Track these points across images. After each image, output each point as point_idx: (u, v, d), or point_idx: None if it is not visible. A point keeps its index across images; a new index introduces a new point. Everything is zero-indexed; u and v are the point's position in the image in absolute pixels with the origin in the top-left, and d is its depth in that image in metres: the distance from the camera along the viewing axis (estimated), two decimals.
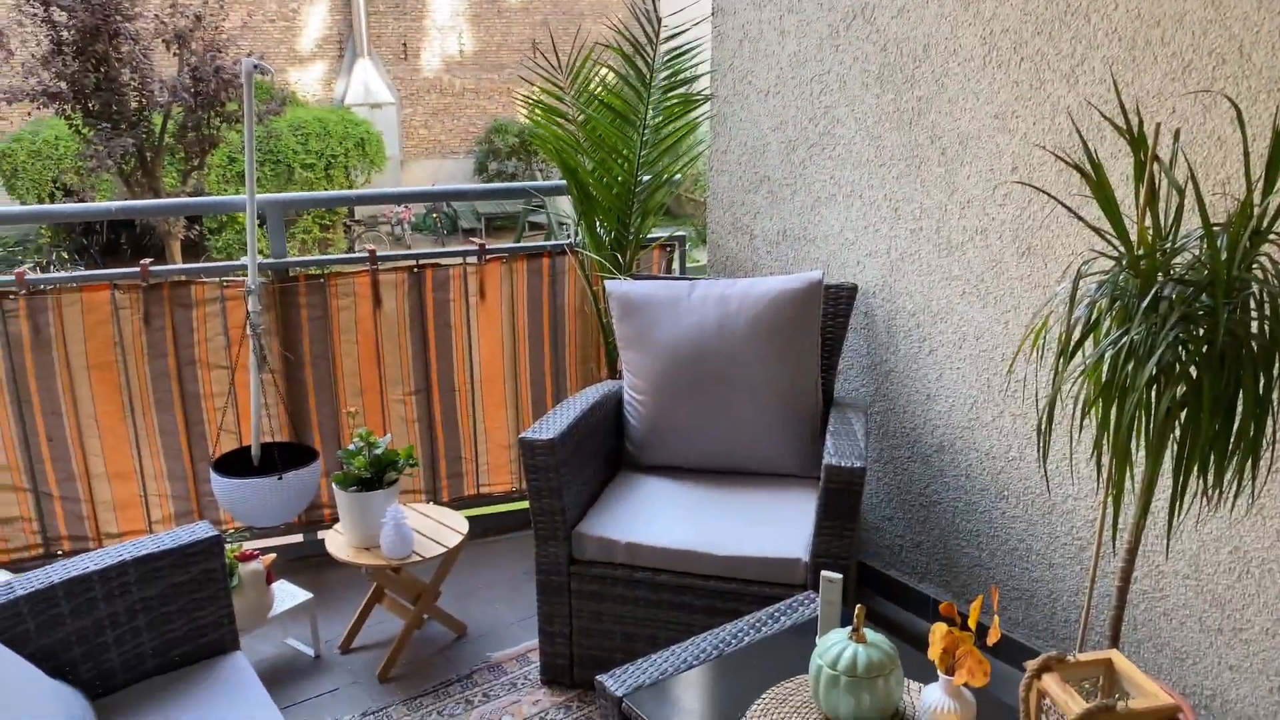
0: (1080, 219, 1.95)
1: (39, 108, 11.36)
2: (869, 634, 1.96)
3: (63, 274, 2.96)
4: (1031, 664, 1.71)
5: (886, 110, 2.92)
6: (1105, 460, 2.05)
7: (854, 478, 2.45)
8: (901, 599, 3.19)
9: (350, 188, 15.52)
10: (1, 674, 1.78)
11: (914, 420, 3.04)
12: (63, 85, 10.99)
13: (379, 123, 16.68)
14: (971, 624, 1.85)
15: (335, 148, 14.92)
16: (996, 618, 1.79)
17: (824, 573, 2.16)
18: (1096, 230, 1.92)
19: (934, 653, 1.89)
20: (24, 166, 14.06)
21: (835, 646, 1.94)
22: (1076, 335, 1.94)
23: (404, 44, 18.07)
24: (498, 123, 18.93)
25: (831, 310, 3.04)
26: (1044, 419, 2.01)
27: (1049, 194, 2.23)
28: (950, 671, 1.81)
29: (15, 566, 3.19)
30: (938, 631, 1.91)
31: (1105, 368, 1.84)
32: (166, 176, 12.32)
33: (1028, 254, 2.62)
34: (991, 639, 1.78)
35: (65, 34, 10.84)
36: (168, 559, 2.13)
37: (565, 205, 12.91)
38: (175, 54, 11.54)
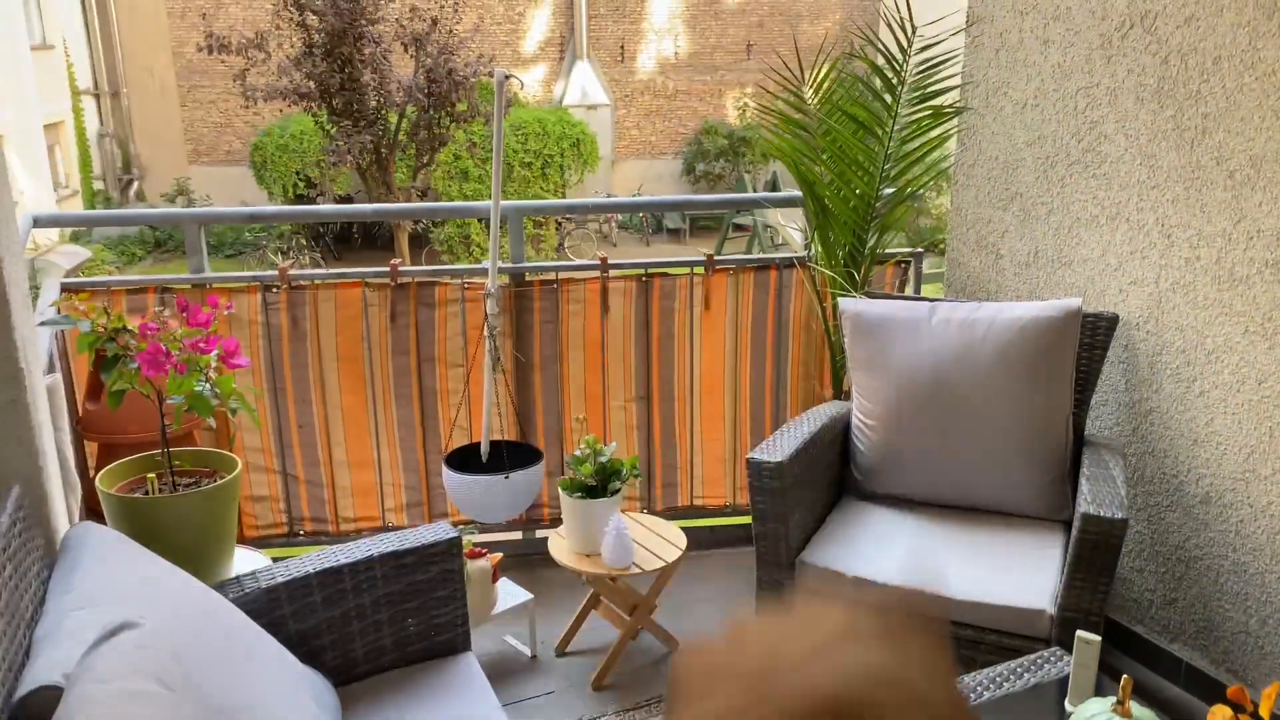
0: None
1: (289, 105, 12.26)
2: (1135, 708, 1.79)
3: (320, 270, 3.12)
4: None
5: (1164, 128, 2.68)
6: None
7: (1114, 529, 2.25)
8: (1148, 659, 2.93)
9: (564, 186, 15.96)
10: (261, 656, 1.88)
11: (1175, 467, 2.78)
12: (311, 85, 11.82)
13: (594, 123, 17.08)
14: (1264, 713, 1.64)
15: (552, 148, 15.38)
16: None
17: (1080, 633, 1.99)
18: None
19: None
20: (272, 159, 15.25)
21: (1097, 718, 1.78)
22: None
23: (622, 46, 18.42)
24: (708, 124, 19.00)
25: (1088, 341, 2.82)
26: None
27: None
28: None
29: (262, 543, 3.41)
30: (1218, 715, 1.72)
31: None
32: (398, 172, 13.03)
33: None
34: None
35: (316, 36, 11.64)
36: (411, 557, 2.19)
37: (771, 212, 12.77)
38: (412, 56, 12.18)
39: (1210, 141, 2.57)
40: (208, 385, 1.96)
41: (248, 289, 3.22)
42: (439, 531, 2.23)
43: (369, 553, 2.15)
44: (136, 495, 2.15)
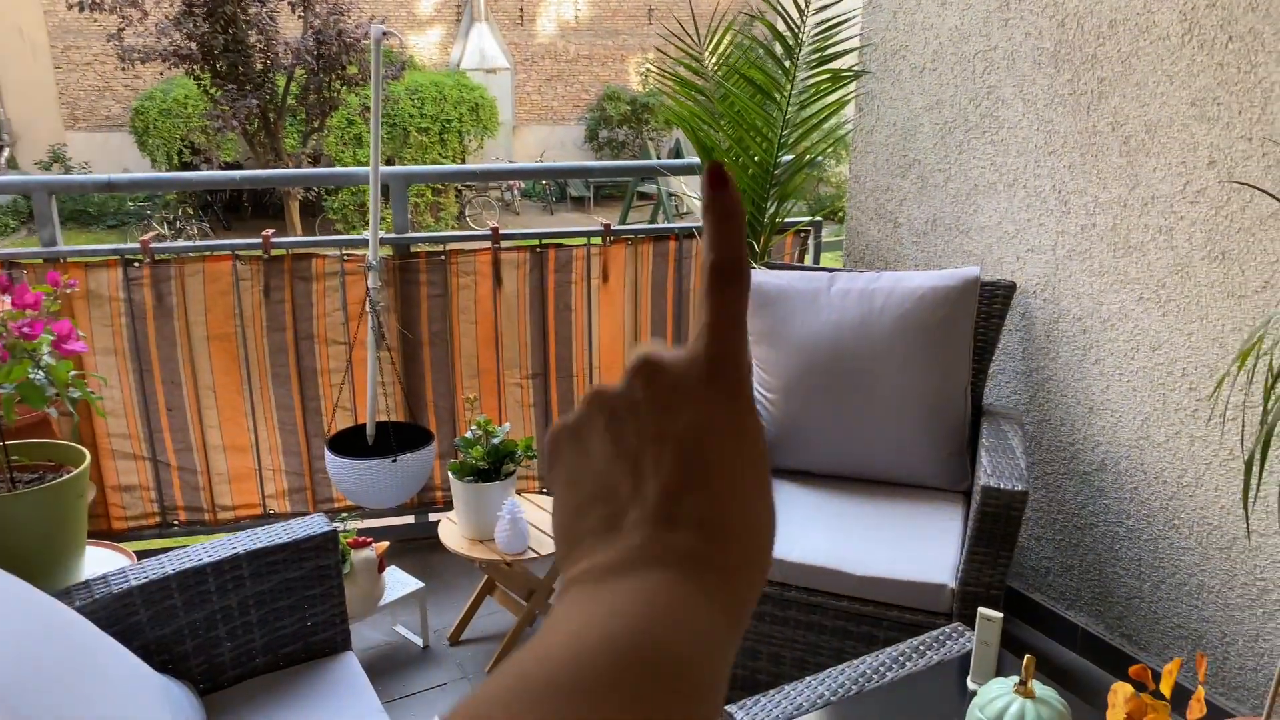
0: None
1: (170, 68, 11.64)
2: (1037, 688, 1.75)
3: (186, 243, 2.90)
4: None
5: (1061, 92, 2.64)
6: None
7: (1014, 501, 2.22)
8: (1046, 626, 2.94)
9: (464, 153, 15.59)
10: (110, 670, 1.71)
11: (1072, 434, 2.78)
12: (193, 46, 11.24)
13: (493, 88, 16.69)
14: (1165, 690, 1.62)
15: (450, 112, 14.98)
16: (1203, 689, 1.55)
17: (982, 610, 1.95)
18: None
19: (1114, 716, 1.66)
20: (155, 124, 14.51)
21: (999, 700, 1.73)
22: None
23: (521, 9, 18.03)
24: (610, 90, 18.77)
25: (985, 310, 2.79)
26: (1255, 455, 1.75)
27: (1272, 195, 1.94)
28: None
29: (132, 535, 3.18)
30: (1120, 693, 1.68)
31: None
32: (288, 138, 12.53)
33: (1222, 259, 2.33)
34: (1193, 715, 1.55)
35: None
36: (281, 553, 2.04)
37: (675, 180, 12.67)
38: (299, 17, 11.68)
39: (1106, 107, 2.54)
40: (41, 373, 1.76)
41: (108, 263, 2.97)
42: (312, 525, 2.07)
43: (234, 550, 1.98)
44: None
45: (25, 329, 1.68)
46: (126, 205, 14.67)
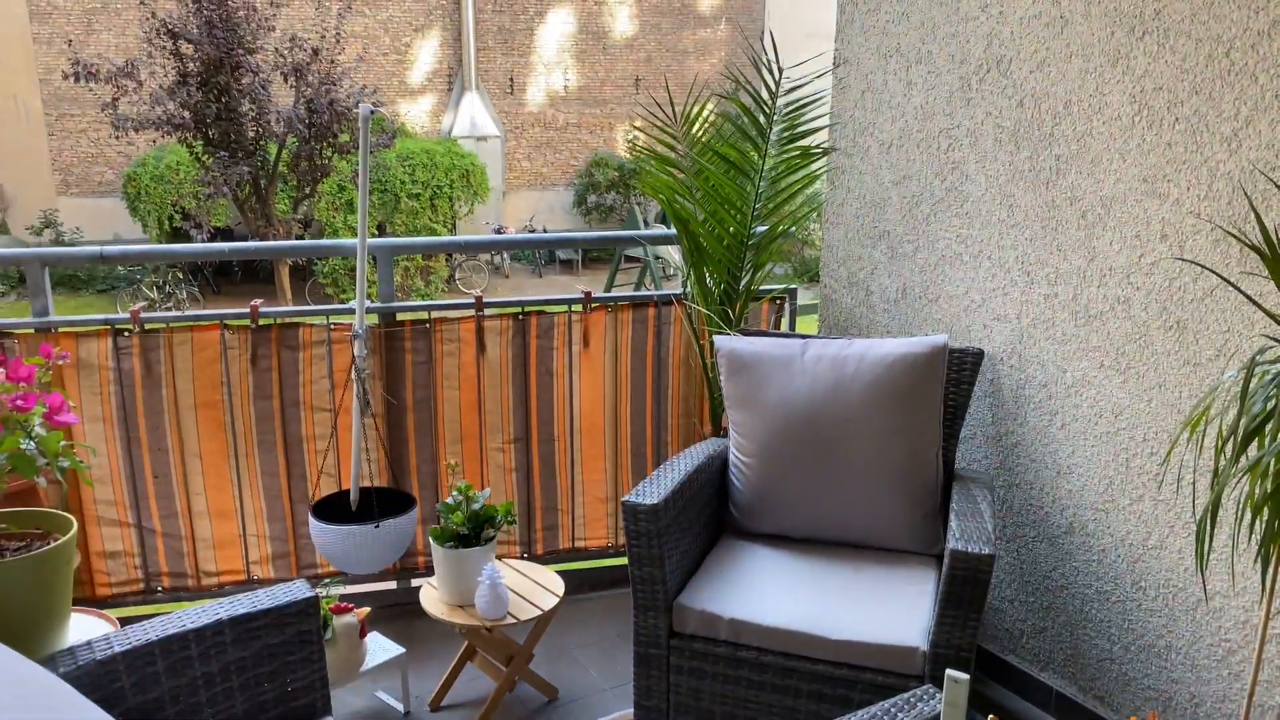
0: (1255, 303, 1.77)
1: (163, 135, 11.83)
2: None
3: (175, 313, 2.97)
4: None
5: (1021, 169, 2.76)
6: (1272, 569, 1.85)
7: (981, 565, 2.27)
8: (1020, 688, 2.98)
9: (454, 217, 15.79)
10: None
11: (1041, 498, 2.85)
12: (186, 114, 11.44)
13: (484, 155, 16.98)
14: None
15: (441, 178, 15.20)
16: None
17: (950, 672, 2.00)
18: (1273, 316, 1.74)
19: None
20: (147, 190, 14.68)
21: None
22: (1243, 431, 1.76)
23: (510, 79, 18.40)
24: (598, 156, 19.10)
25: (955, 376, 2.87)
26: (1205, 520, 1.82)
27: (1214, 271, 2.04)
28: None
29: (116, 602, 3.20)
30: None
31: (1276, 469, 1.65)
32: (279, 203, 12.69)
33: (1176, 328, 2.42)
34: None
35: (190, 65, 11.29)
36: (264, 619, 2.07)
37: (663, 247, 12.88)
38: (292, 86, 11.91)
39: (1064, 182, 2.65)
40: (32, 444, 1.81)
41: (98, 333, 3.04)
42: (294, 591, 2.11)
43: (216, 617, 2.02)
44: None
45: (19, 402, 1.74)
46: (117, 270, 14.78)
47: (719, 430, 3.48)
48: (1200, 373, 2.38)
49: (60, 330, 3.03)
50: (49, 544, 2.07)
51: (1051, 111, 2.66)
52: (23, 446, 1.82)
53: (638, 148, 3.42)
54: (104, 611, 2.63)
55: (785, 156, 3.17)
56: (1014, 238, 2.80)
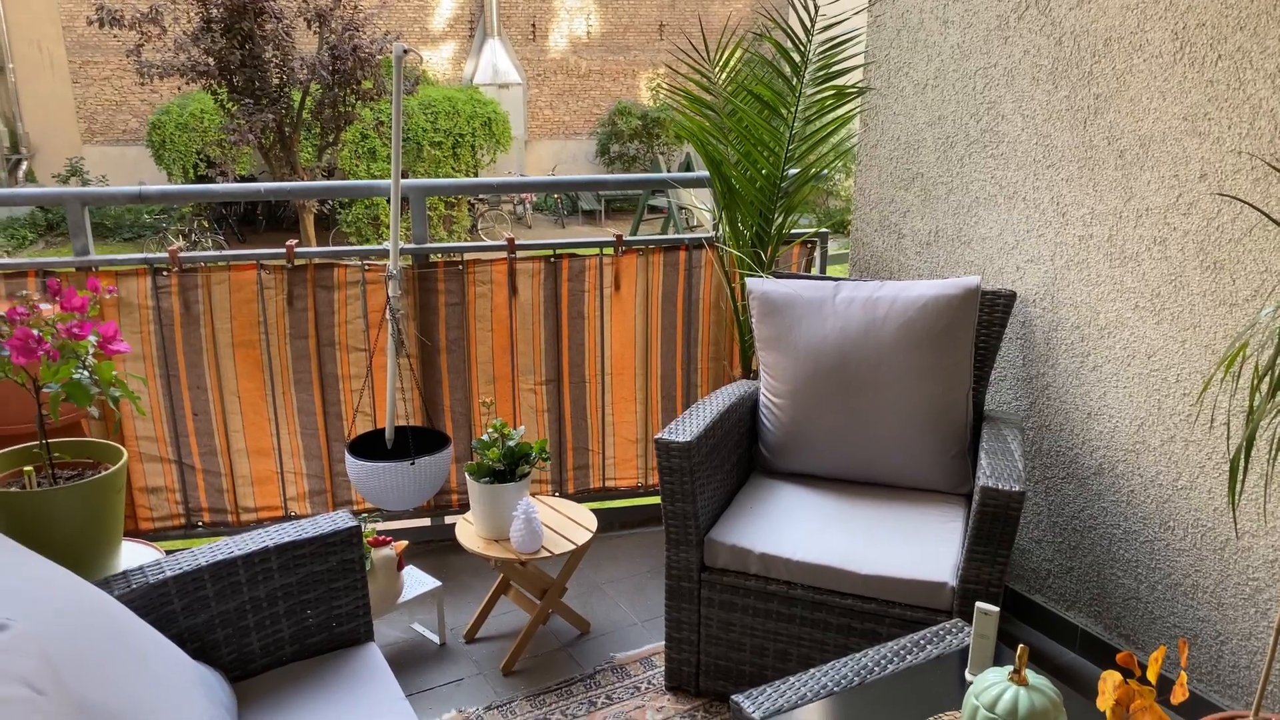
0: None
1: (187, 83, 11.81)
2: (1031, 676, 1.83)
3: (213, 252, 3.00)
4: None
5: (1058, 108, 2.74)
6: None
7: (1011, 502, 2.30)
8: (1046, 627, 3.02)
9: (476, 166, 15.74)
10: (148, 654, 1.80)
11: (1071, 439, 2.86)
12: (210, 61, 11.40)
13: (506, 103, 16.86)
14: (1151, 677, 1.70)
15: (463, 127, 15.14)
16: (1184, 674, 1.63)
17: (979, 604, 2.03)
18: None
19: (1104, 703, 1.74)
20: (172, 138, 14.70)
21: (994, 687, 1.81)
22: None
23: (533, 25, 18.21)
24: (621, 105, 18.92)
25: (986, 318, 2.87)
26: (1240, 456, 1.83)
27: (1257, 207, 2.03)
28: None
29: (158, 535, 3.29)
30: (1109, 680, 1.76)
31: None
32: (303, 152, 12.68)
33: (1214, 269, 2.42)
34: (1177, 699, 1.63)
35: (214, 11, 11.23)
36: (308, 547, 2.13)
37: (685, 193, 12.79)
38: (315, 32, 11.84)
39: (1102, 121, 2.63)
40: (86, 373, 1.86)
41: (137, 272, 3.08)
42: (337, 521, 2.17)
43: (264, 544, 2.08)
44: (11, 489, 2.04)
45: (75, 330, 1.78)
46: (143, 218, 14.86)
47: (749, 373, 3.51)
48: (1236, 313, 2.38)
49: (100, 269, 3.08)
50: (100, 472, 2.14)
51: (1091, 49, 2.63)
52: (75, 376, 1.87)
53: (666, 90, 3.41)
54: (151, 543, 2.70)
55: (819, 97, 3.15)
56: (1050, 178, 2.79)
